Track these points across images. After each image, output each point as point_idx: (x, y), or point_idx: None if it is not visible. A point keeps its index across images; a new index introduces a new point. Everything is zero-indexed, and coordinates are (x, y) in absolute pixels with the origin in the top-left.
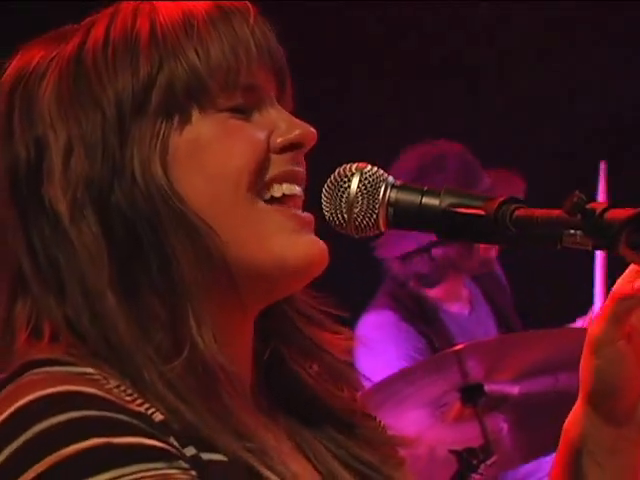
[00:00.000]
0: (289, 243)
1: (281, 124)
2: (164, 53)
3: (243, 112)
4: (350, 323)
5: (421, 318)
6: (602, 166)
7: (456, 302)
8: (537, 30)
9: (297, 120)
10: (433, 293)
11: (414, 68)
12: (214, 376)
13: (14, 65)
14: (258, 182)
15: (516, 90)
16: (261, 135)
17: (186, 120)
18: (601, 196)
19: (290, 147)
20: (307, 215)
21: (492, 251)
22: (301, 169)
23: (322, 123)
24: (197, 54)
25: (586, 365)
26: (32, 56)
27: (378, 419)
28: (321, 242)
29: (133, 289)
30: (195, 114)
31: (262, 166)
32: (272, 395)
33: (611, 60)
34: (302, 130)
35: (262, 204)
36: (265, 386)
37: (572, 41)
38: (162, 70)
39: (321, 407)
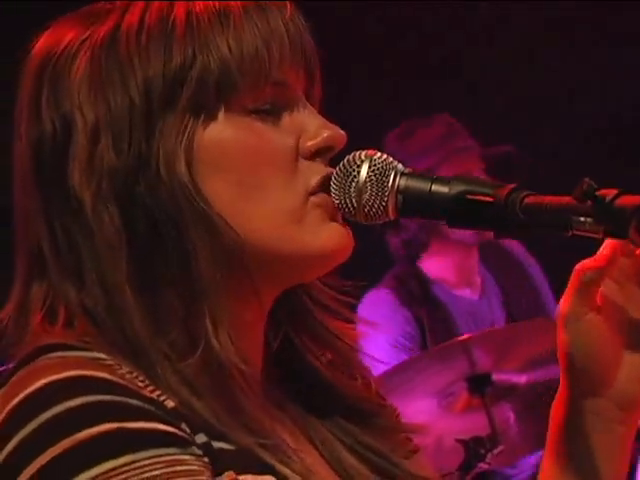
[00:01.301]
0: (313, 240)
1: (310, 127)
2: (197, 45)
3: (271, 113)
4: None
5: (422, 301)
6: None
7: (467, 287)
8: (537, 30)
9: (326, 122)
10: (441, 275)
11: (414, 68)
12: (229, 375)
13: (43, 42)
14: (287, 190)
15: (516, 90)
16: (288, 141)
17: (212, 118)
18: None
19: (320, 152)
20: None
21: None
22: (331, 170)
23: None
24: (230, 48)
25: (559, 342)
26: (63, 35)
27: (392, 406)
28: (347, 230)
29: (151, 284)
30: (222, 113)
31: (290, 175)
32: (282, 383)
33: (611, 60)
34: (331, 132)
35: (294, 206)
36: (275, 374)
37: (572, 41)
38: (195, 64)
39: (332, 395)
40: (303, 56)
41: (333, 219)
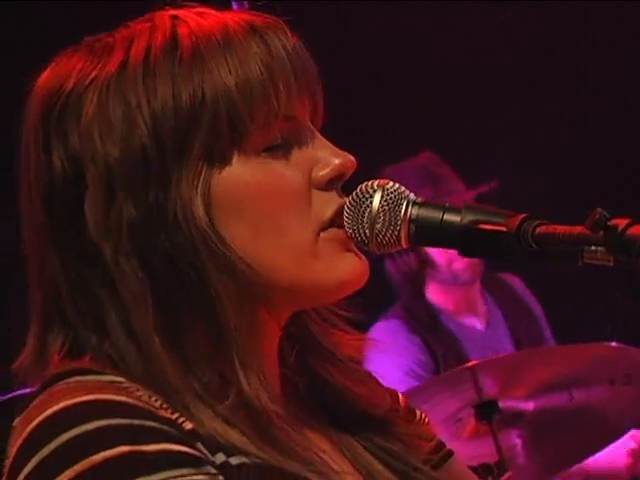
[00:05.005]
0: (331, 269)
1: (320, 156)
2: (207, 89)
3: (282, 148)
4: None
5: (432, 330)
6: None
7: (471, 316)
8: (537, 30)
9: (335, 149)
10: (447, 303)
11: (414, 69)
12: (262, 415)
13: (47, 82)
14: (301, 227)
15: (518, 90)
16: (301, 175)
17: (226, 162)
18: None
19: (332, 181)
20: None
21: (458, 263)
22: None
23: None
24: (239, 90)
25: None
26: (68, 73)
27: (419, 413)
28: (361, 258)
29: (179, 330)
30: (235, 155)
31: (304, 210)
32: (299, 395)
33: (612, 60)
34: (341, 160)
35: (309, 243)
36: (290, 387)
37: (572, 41)
38: (205, 111)
39: (346, 403)
40: (308, 86)
41: (347, 249)
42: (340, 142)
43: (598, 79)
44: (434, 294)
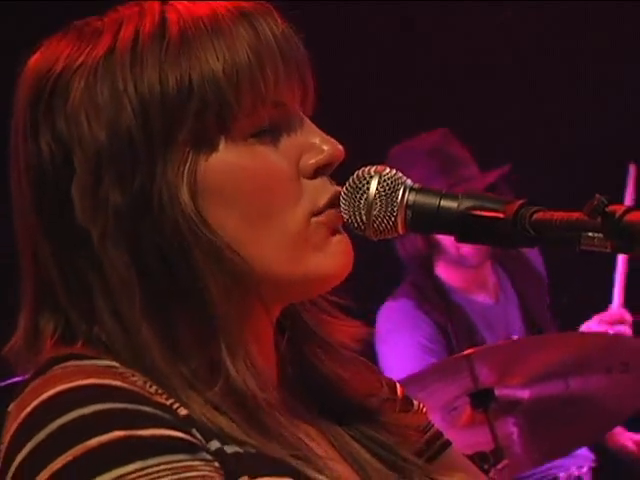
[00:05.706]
0: (323, 260)
1: (309, 144)
2: (195, 76)
3: (270, 133)
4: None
5: (441, 308)
6: (631, 170)
7: (481, 291)
8: (537, 30)
9: (324, 137)
10: (456, 281)
11: (414, 69)
12: (250, 401)
13: (34, 69)
14: (291, 214)
15: (518, 90)
16: (289, 162)
17: (213, 148)
18: (628, 199)
19: (319, 170)
20: (338, 217)
21: (466, 247)
22: (337, 189)
23: (322, 124)
24: (225, 74)
25: None
26: (56, 57)
27: (416, 403)
28: (350, 249)
29: (166, 317)
30: (222, 141)
31: (295, 197)
32: (292, 383)
33: (612, 60)
34: (329, 148)
35: (297, 232)
36: (286, 375)
37: (572, 41)
38: (192, 97)
39: (335, 392)
40: (297, 71)
41: (335, 232)
42: (340, 142)
43: (598, 79)
44: (443, 272)
